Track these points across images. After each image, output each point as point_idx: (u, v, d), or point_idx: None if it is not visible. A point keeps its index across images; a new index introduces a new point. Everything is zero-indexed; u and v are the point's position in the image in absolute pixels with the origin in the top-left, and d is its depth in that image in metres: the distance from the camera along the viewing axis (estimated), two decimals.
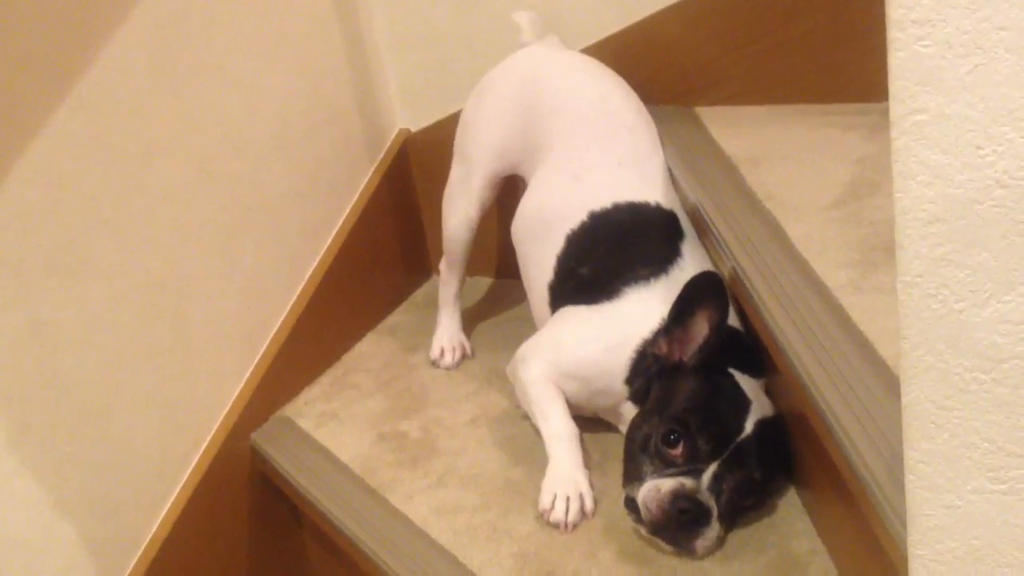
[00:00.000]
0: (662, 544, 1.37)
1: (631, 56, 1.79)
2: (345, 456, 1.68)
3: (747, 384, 1.43)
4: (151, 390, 1.60)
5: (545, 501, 1.47)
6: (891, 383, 1.10)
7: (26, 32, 1.38)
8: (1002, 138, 0.65)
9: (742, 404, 1.39)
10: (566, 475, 1.48)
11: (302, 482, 1.66)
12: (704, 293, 1.41)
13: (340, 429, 1.75)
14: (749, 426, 1.38)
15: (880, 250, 1.35)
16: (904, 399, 0.72)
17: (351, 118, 1.94)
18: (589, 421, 1.59)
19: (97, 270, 1.50)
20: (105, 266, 1.51)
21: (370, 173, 1.98)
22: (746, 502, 1.38)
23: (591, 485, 1.48)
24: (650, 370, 1.48)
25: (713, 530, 1.35)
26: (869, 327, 1.23)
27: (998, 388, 0.68)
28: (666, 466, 1.37)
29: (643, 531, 1.38)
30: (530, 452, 1.59)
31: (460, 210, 1.81)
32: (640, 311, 1.52)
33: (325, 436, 1.73)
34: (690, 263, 1.55)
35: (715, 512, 1.34)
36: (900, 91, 0.66)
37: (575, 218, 1.62)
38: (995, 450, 0.69)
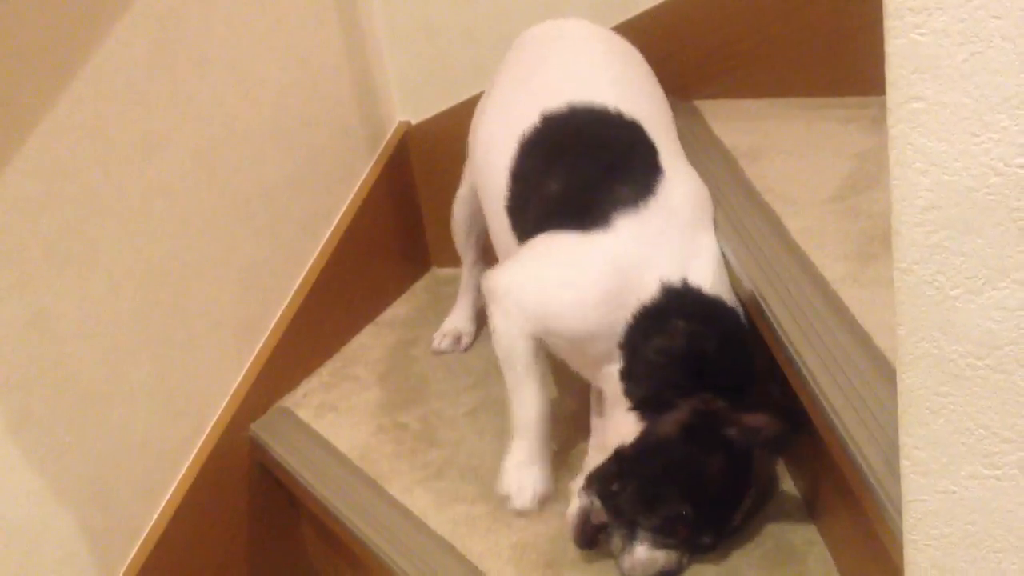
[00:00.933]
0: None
1: None
2: (344, 447, 1.69)
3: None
4: (150, 380, 1.60)
5: (504, 486, 1.48)
6: (888, 374, 1.11)
7: (26, 23, 1.38)
8: (997, 126, 0.65)
9: (743, 490, 1.35)
10: (526, 463, 1.48)
11: (301, 473, 1.66)
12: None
13: (339, 420, 1.75)
14: (739, 518, 1.36)
15: (879, 243, 1.36)
16: (900, 385, 0.72)
17: (350, 110, 1.94)
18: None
19: (96, 260, 1.51)
20: (104, 256, 1.52)
21: (370, 165, 1.98)
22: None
23: (551, 471, 1.49)
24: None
25: None
26: (867, 319, 1.24)
27: (993, 375, 0.68)
28: (663, 535, 1.33)
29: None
30: None
31: (460, 191, 1.80)
32: (638, 252, 1.38)
33: (324, 427, 1.74)
34: (675, 180, 1.43)
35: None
36: (897, 79, 0.67)
37: (526, 121, 1.49)
38: (989, 436, 0.70)
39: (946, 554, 0.72)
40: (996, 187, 0.66)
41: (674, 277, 1.38)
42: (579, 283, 1.40)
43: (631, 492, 1.34)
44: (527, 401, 1.46)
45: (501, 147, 1.53)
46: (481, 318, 1.87)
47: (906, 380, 0.71)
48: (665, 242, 1.39)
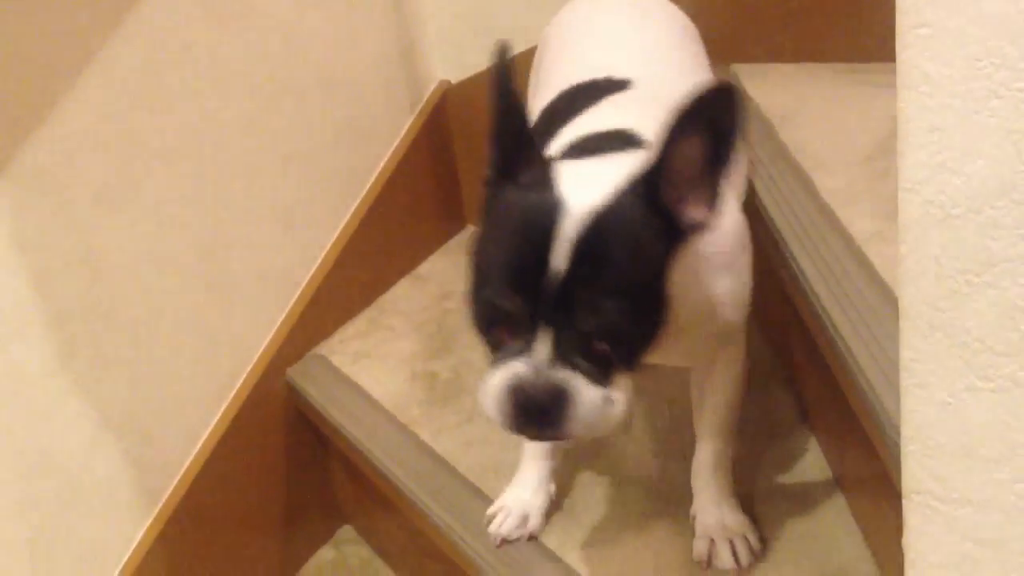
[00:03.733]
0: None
1: None
2: (377, 393, 1.72)
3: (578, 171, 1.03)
4: (192, 321, 1.65)
5: (493, 509, 1.43)
6: None
7: None
8: (999, 52, 0.67)
9: (548, 220, 0.97)
10: (520, 492, 1.42)
11: (335, 416, 1.71)
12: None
13: (373, 367, 1.79)
14: (561, 255, 0.96)
15: None
16: (901, 302, 0.75)
17: (392, 67, 1.96)
18: None
19: (143, 202, 1.55)
20: (151, 199, 1.56)
21: (409, 122, 2.00)
22: (623, 341, 1.01)
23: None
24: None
25: (585, 402, 1.00)
26: (891, 274, 1.26)
27: (989, 291, 0.71)
28: (496, 348, 1.03)
29: None
30: None
31: None
32: None
33: (358, 373, 1.78)
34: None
35: (577, 385, 0.99)
36: (906, 5, 0.69)
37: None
38: (985, 350, 0.72)
39: (941, 463, 0.75)
40: (996, 110, 0.68)
41: None
42: None
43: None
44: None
45: None
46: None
47: (907, 297, 0.74)
48: None
